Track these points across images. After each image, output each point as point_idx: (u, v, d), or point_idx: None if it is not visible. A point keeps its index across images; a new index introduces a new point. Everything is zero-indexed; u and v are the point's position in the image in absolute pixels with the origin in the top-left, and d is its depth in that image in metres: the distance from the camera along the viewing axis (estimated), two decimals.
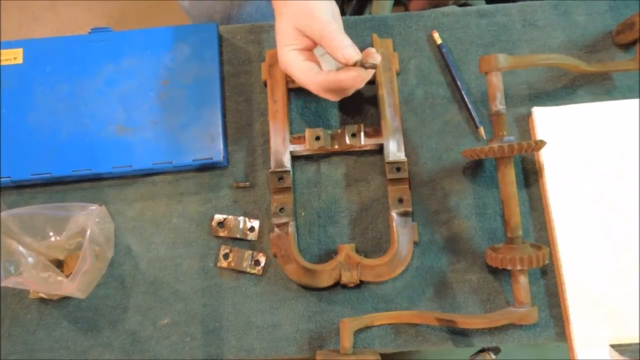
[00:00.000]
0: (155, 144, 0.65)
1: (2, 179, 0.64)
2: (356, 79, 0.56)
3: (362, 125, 0.64)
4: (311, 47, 0.59)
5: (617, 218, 0.61)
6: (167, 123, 0.66)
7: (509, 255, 0.58)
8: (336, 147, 0.65)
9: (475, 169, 0.66)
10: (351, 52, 0.54)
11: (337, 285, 0.62)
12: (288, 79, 0.66)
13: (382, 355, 0.59)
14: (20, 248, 0.60)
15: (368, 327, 0.62)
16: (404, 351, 0.61)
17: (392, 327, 0.62)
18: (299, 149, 0.65)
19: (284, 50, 0.58)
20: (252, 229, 0.64)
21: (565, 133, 0.64)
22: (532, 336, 0.61)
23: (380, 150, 0.65)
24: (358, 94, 0.68)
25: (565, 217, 0.62)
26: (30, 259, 0.59)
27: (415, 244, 0.63)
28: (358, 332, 0.61)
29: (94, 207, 0.61)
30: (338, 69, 0.57)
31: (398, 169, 0.63)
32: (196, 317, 0.63)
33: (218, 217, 0.65)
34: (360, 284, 0.62)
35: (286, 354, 0.62)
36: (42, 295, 0.62)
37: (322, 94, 0.58)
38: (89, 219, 0.59)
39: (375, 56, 0.56)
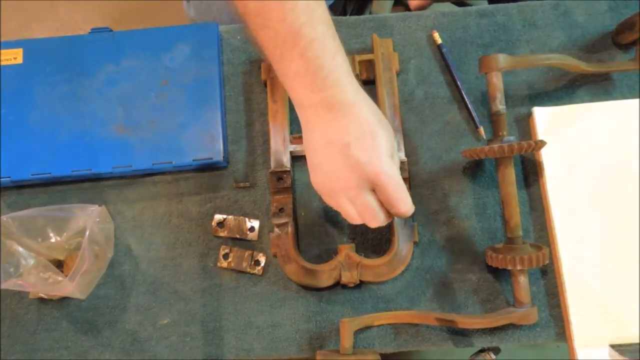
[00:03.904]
0: (155, 144, 0.65)
1: (2, 179, 0.64)
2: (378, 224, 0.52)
3: None
4: None
5: (617, 218, 0.61)
6: (166, 123, 0.65)
7: (509, 255, 0.58)
8: None
9: (475, 169, 0.66)
10: (409, 209, 0.50)
11: (337, 285, 0.62)
12: None
13: (382, 355, 0.59)
14: (20, 249, 0.60)
15: (368, 327, 0.62)
16: (404, 351, 0.61)
17: (392, 327, 0.62)
18: (299, 149, 0.65)
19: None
20: (252, 229, 0.64)
21: (565, 133, 0.64)
22: (532, 336, 0.61)
23: None
24: None
25: (565, 217, 0.62)
26: (30, 260, 0.59)
27: (415, 244, 0.63)
28: (358, 332, 0.61)
29: (94, 208, 0.61)
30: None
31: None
32: (196, 317, 0.63)
33: (218, 217, 0.65)
34: (360, 284, 0.62)
35: (286, 354, 0.62)
36: (42, 295, 0.62)
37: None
38: (89, 219, 0.59)
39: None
